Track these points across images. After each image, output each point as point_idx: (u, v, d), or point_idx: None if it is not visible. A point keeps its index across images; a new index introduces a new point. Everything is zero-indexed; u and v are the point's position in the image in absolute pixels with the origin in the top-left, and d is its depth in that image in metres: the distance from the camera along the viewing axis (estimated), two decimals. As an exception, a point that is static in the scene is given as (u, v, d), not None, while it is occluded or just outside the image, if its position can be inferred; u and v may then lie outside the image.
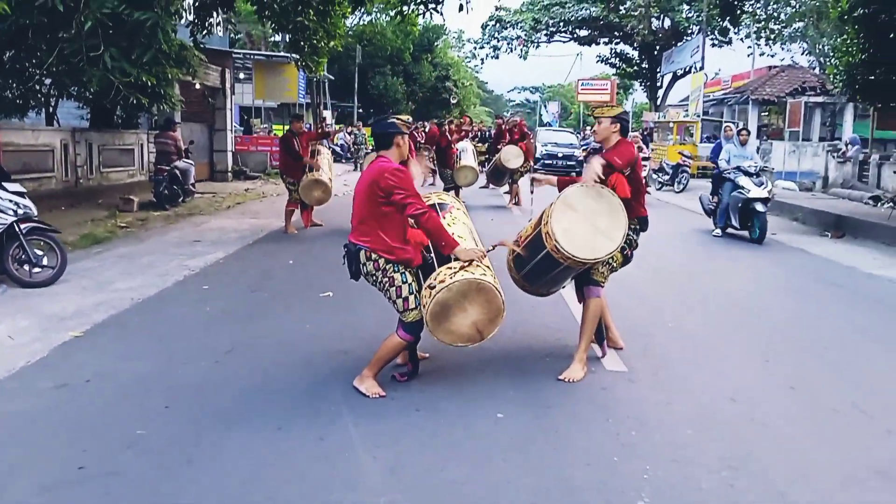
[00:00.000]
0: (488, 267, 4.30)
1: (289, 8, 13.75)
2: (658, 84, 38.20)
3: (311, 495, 3.12)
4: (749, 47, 32.74)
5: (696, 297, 7.10)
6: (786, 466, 3.48)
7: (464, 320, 4.14)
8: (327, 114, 32.08)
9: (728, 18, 34.02)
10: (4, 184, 6.75)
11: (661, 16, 35.58)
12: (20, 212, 6.71)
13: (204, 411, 3.98)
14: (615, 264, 4.79)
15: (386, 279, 4.21)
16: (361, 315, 5.93)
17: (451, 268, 4.16)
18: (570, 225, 4.42)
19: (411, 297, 4.20)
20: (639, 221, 4.79)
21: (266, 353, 4.98)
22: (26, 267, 6.70)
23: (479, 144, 19.89)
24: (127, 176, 14.82)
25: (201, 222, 11.47)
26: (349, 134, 29.90)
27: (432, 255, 4.39)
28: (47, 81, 12.03)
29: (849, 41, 12.71)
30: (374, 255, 4.19)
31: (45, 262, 6.80)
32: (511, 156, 14.20)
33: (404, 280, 4.20)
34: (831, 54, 19.84)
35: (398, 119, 4.44)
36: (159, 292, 6.69)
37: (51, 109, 13.46)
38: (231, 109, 20.67)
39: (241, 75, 26.39)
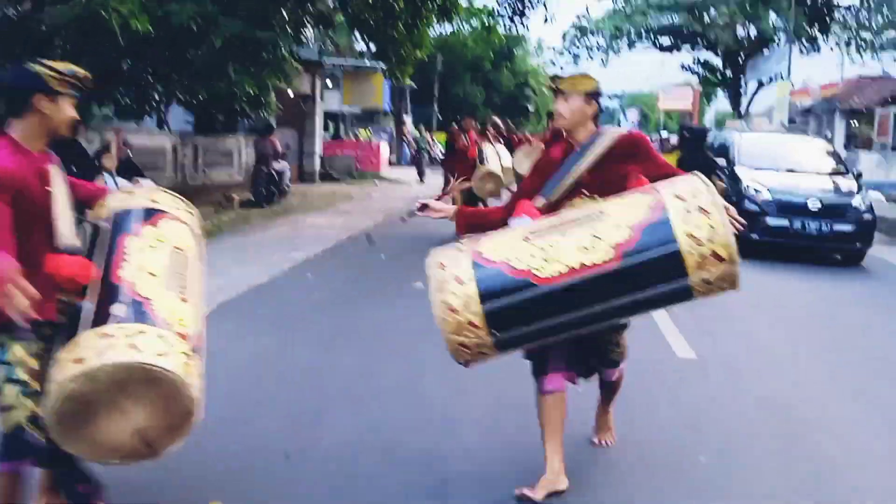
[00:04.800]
0: (181, 322, 2.53)
1: (380, 22, 14.60)
2: (742, 92, 37.58)
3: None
4: (839, 56, 31.97)
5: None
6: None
7: (120, 426, 2.43)
8: (408, 119, 33.43)
9: (816, 26, 33.39)
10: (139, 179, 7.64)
11: (747, 23, 35.04)
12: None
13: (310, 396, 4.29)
14: None
15: None
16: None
17: (104, 335, 2.39)
18: None
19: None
20: None
21: (366, 342, 5.42)
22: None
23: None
24: (227, 176, 16.00)
25: (298, 220, 12.37)
26: (406, 136, 30.30)
27: (81, 303, 2.50)
28: (160, 89, 13.16)
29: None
30: None
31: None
32: (522, 159, 11.23)
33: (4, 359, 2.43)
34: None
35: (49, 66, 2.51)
36: (270, 280, 7.44)
37: (162, 115, 14.66)
38: (320, 115, 21.78)
39: (328, 82, 27.62)
